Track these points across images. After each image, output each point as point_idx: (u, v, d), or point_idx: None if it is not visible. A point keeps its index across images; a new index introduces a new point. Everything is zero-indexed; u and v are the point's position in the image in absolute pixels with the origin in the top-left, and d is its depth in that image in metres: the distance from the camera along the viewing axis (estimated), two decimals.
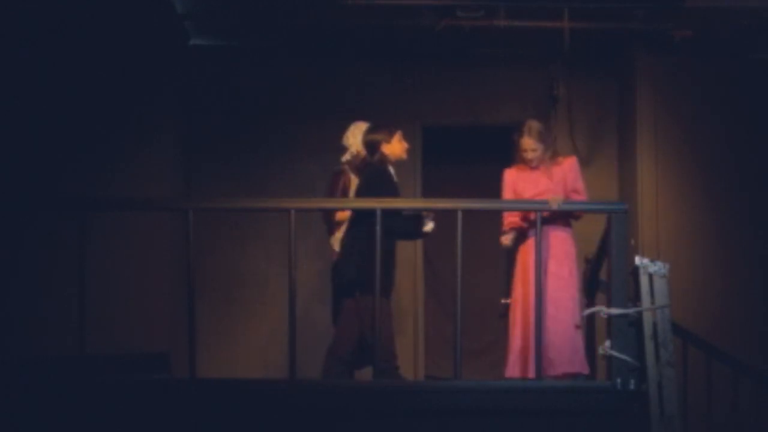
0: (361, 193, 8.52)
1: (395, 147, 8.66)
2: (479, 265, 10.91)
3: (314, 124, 10.63)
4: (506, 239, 8.37)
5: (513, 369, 8.10)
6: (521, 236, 8.33)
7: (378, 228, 7.77)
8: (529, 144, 8.34)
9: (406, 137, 8.86)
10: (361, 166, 8.75)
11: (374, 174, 8.55)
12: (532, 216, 8.08)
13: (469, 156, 11.43)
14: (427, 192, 11.07)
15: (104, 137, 9.92)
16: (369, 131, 8.71)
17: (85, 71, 9.82)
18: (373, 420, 7.56)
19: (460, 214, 7.72)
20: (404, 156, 8.72)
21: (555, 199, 7.88)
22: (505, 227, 8.40)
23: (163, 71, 10.18)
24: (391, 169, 8.64)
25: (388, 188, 8.43)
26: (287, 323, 7.76)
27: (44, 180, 9.52)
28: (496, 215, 8.60)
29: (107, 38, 9.79)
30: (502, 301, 8.30)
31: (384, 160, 8.61)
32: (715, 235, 10.57)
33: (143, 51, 9.97)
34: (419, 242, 10.92)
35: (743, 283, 10.48)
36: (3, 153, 9.41)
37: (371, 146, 8.64)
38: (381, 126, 8.72)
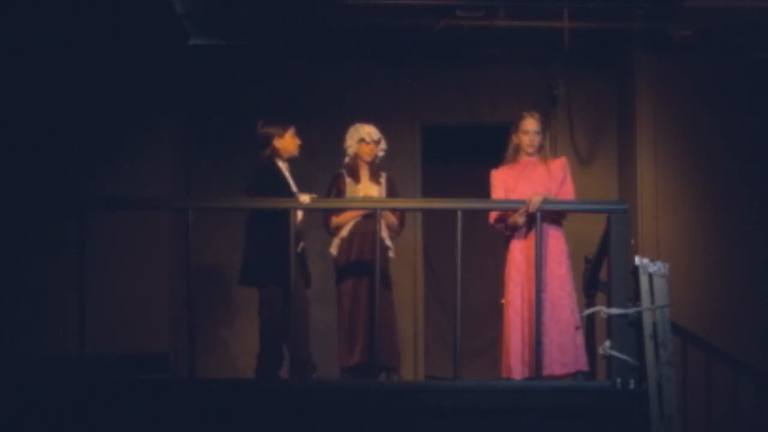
0: (246, 188, 8.46)
1: (288, 142, 8.58)
2: (479, 265, 10.90)
3: (314, 124, 10.61)
4: (518, 216, 8.21)
5: (514, 371, 8.03)
6: (510, 235, 8.27)
7: (377, 228, 7.82)
8: (533, 125, 8.27)
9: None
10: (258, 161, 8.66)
11: (260, 169, 8.51)
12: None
13: (469, 155, 11.41)
14: (427, 191, 11.06)
15: (104, 137, 9.92)
16: (263, 124, 8.63)
17: (86, 71, 9.82)
18: (373, 420, 7.56)
19: (460, 214, 7.72)
20: (296, 153, 8.62)
21: (536, 199, 7.84)
22: (492, 221, 8.33)
23: (163, 71, 10.19)
24: (282, 165, 8.57)
25: (273, 184, 8.38)
26: None
27: (44, 179, 9.53)
28: None
29: (107, 38, 9.80)
30: (502, 301, 8.27)
31: (275, 154, 8.56)
32: (715, 235, 10.57)
33: (143, 51, 9.97)
34: (419, 242, 10.91)
35: (743, 282, 10.48)
36: (3, 152, 9.42)
37: (263, 140, 8.57)
38: (275, 120, 8.65)
